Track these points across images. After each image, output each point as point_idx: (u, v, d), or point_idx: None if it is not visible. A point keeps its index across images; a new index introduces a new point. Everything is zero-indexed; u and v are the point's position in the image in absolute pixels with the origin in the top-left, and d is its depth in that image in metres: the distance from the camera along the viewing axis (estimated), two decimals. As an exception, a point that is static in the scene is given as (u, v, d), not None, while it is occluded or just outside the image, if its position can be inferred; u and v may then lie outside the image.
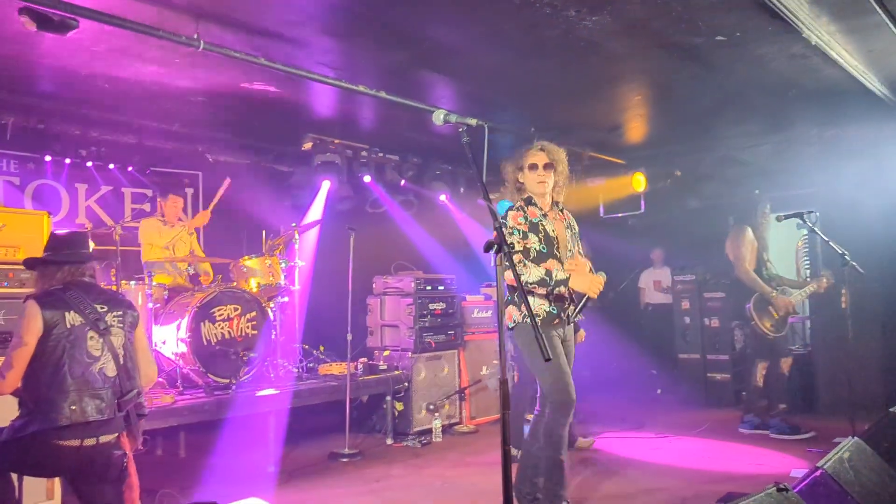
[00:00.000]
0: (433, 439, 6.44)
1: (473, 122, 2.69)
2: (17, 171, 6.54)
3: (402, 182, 8.55)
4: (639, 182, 8.83)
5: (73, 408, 3.13)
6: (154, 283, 5.69)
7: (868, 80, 5.84)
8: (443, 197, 9.03)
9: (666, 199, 9.00)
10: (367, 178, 8.16)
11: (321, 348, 6.92)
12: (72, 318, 3.22)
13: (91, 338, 3.26)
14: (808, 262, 7.95)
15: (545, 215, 4.10)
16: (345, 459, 5.74)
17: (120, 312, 3.41)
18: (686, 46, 5.18)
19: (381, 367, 6.57)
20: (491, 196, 2.55)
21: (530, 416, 4.32)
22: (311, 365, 6.60)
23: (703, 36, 4.94)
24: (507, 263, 2.32)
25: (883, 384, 6.86)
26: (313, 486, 5.02)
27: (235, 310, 5.63)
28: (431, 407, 6.63)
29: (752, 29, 4.78)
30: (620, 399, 8.30)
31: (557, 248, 4.07)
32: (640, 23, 4.72)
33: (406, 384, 6.50)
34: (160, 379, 5.26)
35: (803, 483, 2.98)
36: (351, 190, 8.27)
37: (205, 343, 5.41)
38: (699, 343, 8.26)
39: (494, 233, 2.39)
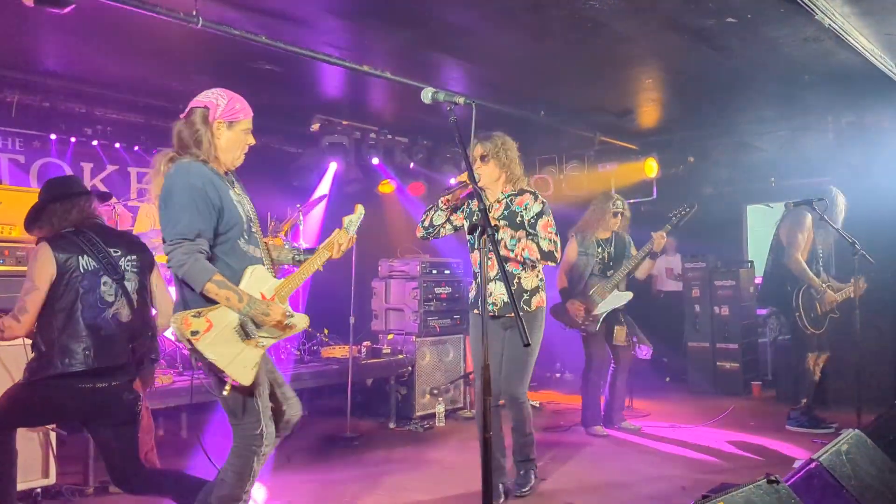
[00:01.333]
0: (436, 424, 6.42)
1: (461, 100, 2.63)
2: (23, 149, 6.55)
3: (412, 164, 8.49)
4: (651, 168, 8.71)
5: (87, 353, 3.18)
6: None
7: (885, 66, 5.67)
8: (453, 181, 8.95)
9: (679, 185, 8.87)
10: (375, 161, 8.10)
11: (325, 331, 6.90)
12: (85, 262, 3.24)
13: (105, 283, 3.28)
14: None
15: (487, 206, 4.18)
16: (346, 443, 5.72)
17: (134, 257, 3.42)
18: (696, 28, 5.06)
19: (385, 351, 6.54)
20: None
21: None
22: (315, 348, 6.59)
23: (713, 17, 4.82)
24: (491, 246, 2.26)
25: (894, 376, 6.73)
26: (311, 470, 5.01)
27: (237, 291, 5.60)
28: (435, 391, 6.61)
29: (764, 10, 4.66)
30: (629, 386, 8.21)
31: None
32: (648, 3, 4.61)
33: (410, 368, 6.47)
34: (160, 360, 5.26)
35: (797, 475, 2.92)
36: (360, 172, 8.24)
37: (205, 324, 5.39)
38: (709, 331, 8.16)
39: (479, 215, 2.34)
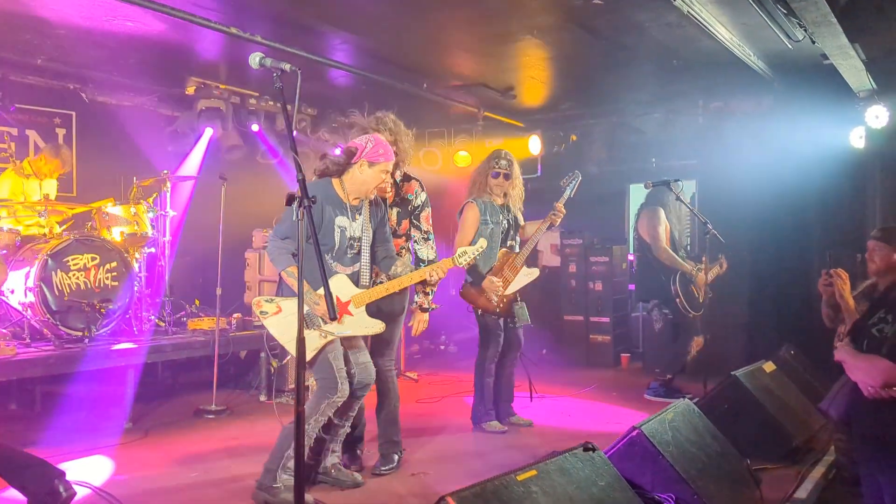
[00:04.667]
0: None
1: (287, 67, 2.58)
2: None
3: (295, 132, 8.28)
4: (535, 145, 8.85)
5: None
6: (5, 228, 5.34)
7: (744, 54, 5.93)
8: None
9: (563, 163, 9.04)
10: (255, 127, 7.86)
11: (196, 302, 6.69)
12: None
13: None
14: (689, 233, 8.16)
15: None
16: (210, 416, 5.60)
17: None
18: (566, 8, 5.14)
19: (256, 323, 6.39)
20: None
21: None
22: (183, 319, 6.38)
23: (580, -2, 4.90)
24: (307, 218, 2.23)
25: (749, 349, 7.14)
26: (166, 442, 4.89)
27: (93, 259, 5.34)
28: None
29: (626, -7, 4.78)
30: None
31: None
32: (516, -22, 4.64)
33: (283, 340, 6.36)
34: (3, 330, 4.97)
35: (620, 443, 3.06)
36: (240, 139, 7.97)
37: (56, 293, 5.13)
38: (583, 305, 8.43)
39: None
